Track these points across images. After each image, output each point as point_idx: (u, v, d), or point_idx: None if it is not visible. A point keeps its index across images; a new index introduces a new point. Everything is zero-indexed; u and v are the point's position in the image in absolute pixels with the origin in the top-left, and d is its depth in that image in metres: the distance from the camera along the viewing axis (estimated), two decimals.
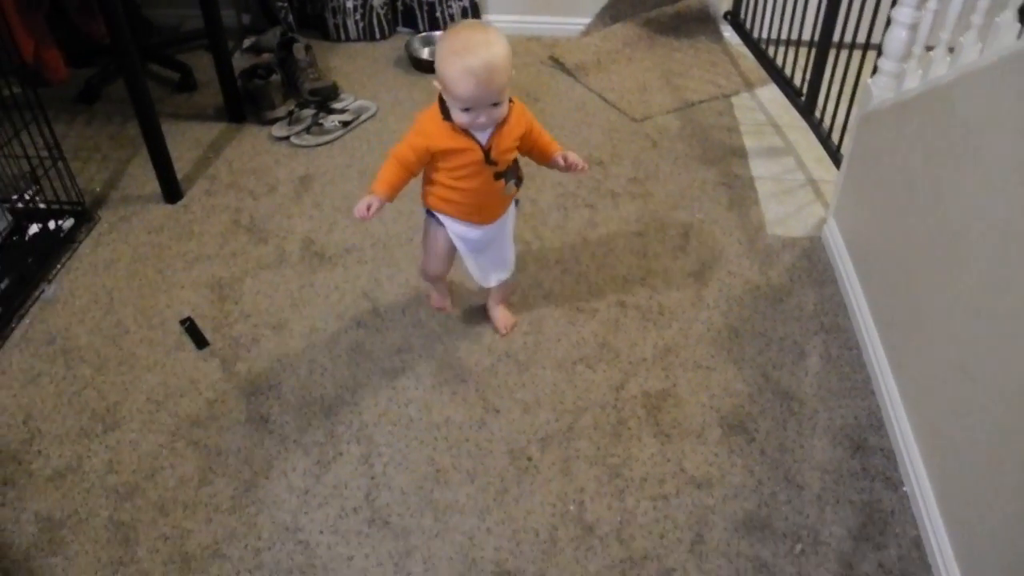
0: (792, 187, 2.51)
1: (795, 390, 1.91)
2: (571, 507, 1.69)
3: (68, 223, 2.36)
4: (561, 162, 1.78)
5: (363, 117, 2.78)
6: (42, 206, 2.36)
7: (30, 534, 1.66)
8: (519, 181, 1.80)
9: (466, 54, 1.51)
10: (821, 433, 1.82)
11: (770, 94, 2.93)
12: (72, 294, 2.18)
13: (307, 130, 2.69)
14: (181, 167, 2.54)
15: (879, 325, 1.94)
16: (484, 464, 1.76)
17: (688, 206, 2.43)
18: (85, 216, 2.40)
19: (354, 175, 2.57)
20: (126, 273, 2.24)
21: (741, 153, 2.65)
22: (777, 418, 1.85)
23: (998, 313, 1.40)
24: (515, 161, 1.77)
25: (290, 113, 2.74)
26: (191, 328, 2.06)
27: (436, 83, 1.60)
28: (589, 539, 1.63)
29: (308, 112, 2.73)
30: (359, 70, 3.13)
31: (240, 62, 2.94)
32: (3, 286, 2.16)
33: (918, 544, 1.63)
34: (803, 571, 1.59)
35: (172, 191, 2.44)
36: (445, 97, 1.60)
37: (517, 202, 1.88)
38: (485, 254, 1.86)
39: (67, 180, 2.34)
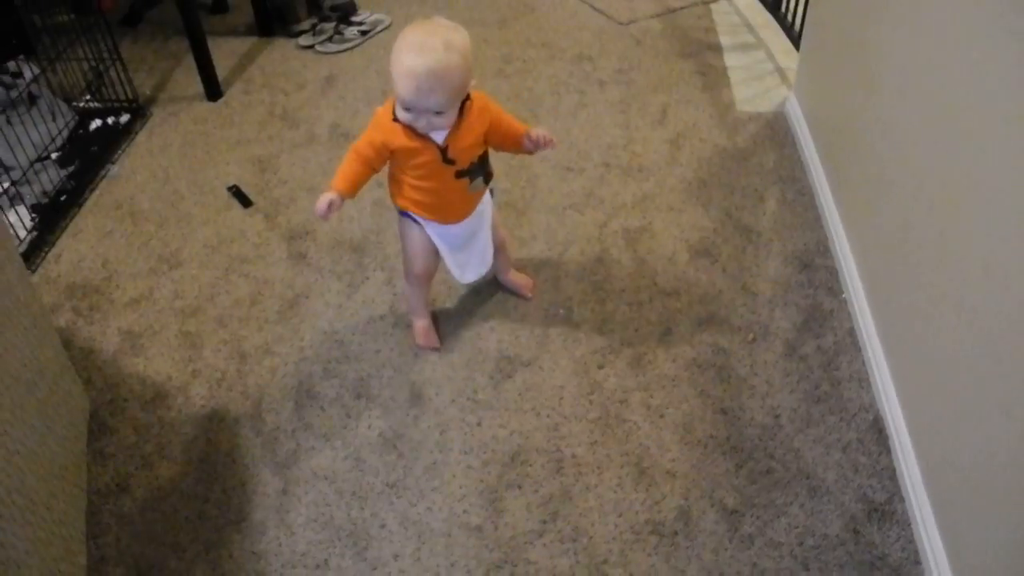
0: (761, 74, 2.82)
1: (754, 225, 2.23)
2: (561, 311, 2.02)
3: (124, 118, 2.71)
4: (528, 144, 1.71)
5: (379, 28, 3.11)
6: (100, 106, 2.71)
7: (115, 343, 2.02)
8: (488, 177, 1.75)
9: (415, 55, 1.45)
10: (775, 256, 2.14)
11: (745, 0, 3.22)
12: (133, 172, 2.53)
13: (329, 39, 3.02)
14: (219, 73, 2.88)
15: (828, 173, 2.25)
16: (487, 284, 2.10)
17: (667, 90, 2.74)
18: (139, 112, 2.74)
19: (372, 74, 2.90)
20: (178, 155, 2.59)
21: (716, 48, 2.96)
22: (737, 246, 2.18)
23: (918, 141, 1.71)
24: (482, 157, 1.72)
25: (313, 26, 3.08)
26: (237, 192, 2.41)
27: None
28: (575, 333, 1.97)
29: (329, 25, 3.07)
30: None
31: None
32: (74, 167, 2.51)
33: (851, 333, 1.95)
34: (754, 354, 1.92)
35: (214, 91, 2.79)
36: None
37: (492, 192, 1.83)
38: (465, 251, 1.83)
39: (124, 83, 2.69)
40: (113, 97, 2.71)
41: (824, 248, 2.16)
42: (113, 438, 1.82)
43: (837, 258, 2.11)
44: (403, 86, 1.48)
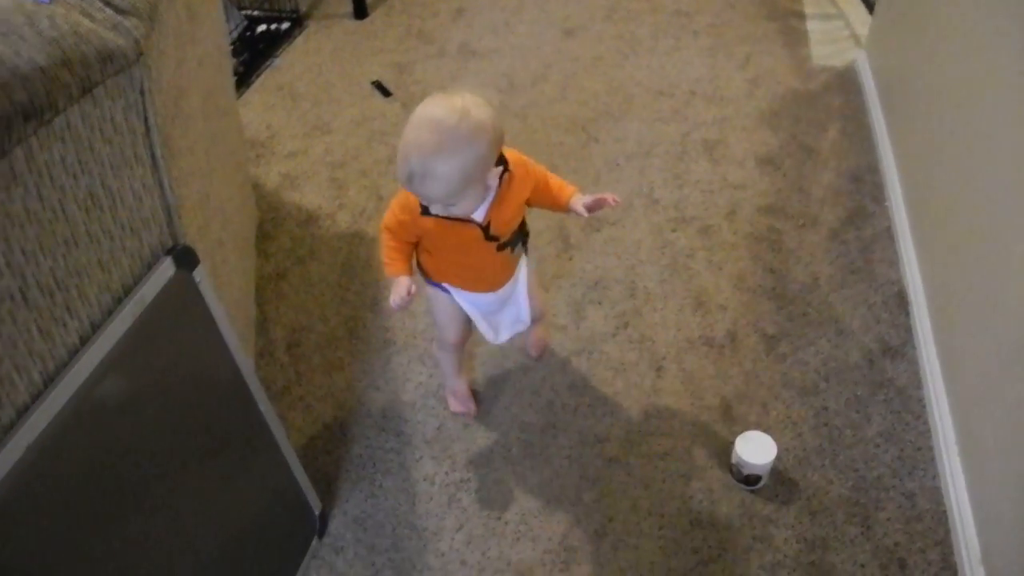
0: (838, 38, 3.18)
1: (815, 147, 2.60)
2: (644, 190, 2.42)
3: (285, 26, 3.20)
4: (580, 209, 1.49)
5: None
6: (264, 14, 3.22)
7: (276, 181, 2.48)
8: (525, 237, 1.61)
9: (413, 139, 1.25)
10: (831, 171, 2.51)
11: None
12: (291, 65, 3.02)
13: None
14: None
15: (886, 112, 2.60)
16: (584, 165, 2.51)
17: (752, 43, 3.13)
18: (298, 22, 3.24)
19: (498, 10, 3.34)
20: (330, 56, 3.07)
21: (800, 15, 3.33)
22: (798, 159, 2.55)
23: (964, 80, 2.07)
24: (521, 223, 1.56)
25: None
26: (379, 86, 2.87)
27: None
28: (655, 207, 2.37)
29: None
30: None
31: None
32: (244, 57, 3.01)
33: (888, 230, 2.30)
34: (802, 235, 2.29)
35: (361, 10, 3.26)
36: None
37: (527, 250, 1.67)
38: (499, 315, 1.70)
39: None
40: (277, 8, 3.20)
41: (875, 167, 2.51)
42: (274, 243, 2.27)
43: (884, 176, 2.46)
44: (397, 169, 1.28)
